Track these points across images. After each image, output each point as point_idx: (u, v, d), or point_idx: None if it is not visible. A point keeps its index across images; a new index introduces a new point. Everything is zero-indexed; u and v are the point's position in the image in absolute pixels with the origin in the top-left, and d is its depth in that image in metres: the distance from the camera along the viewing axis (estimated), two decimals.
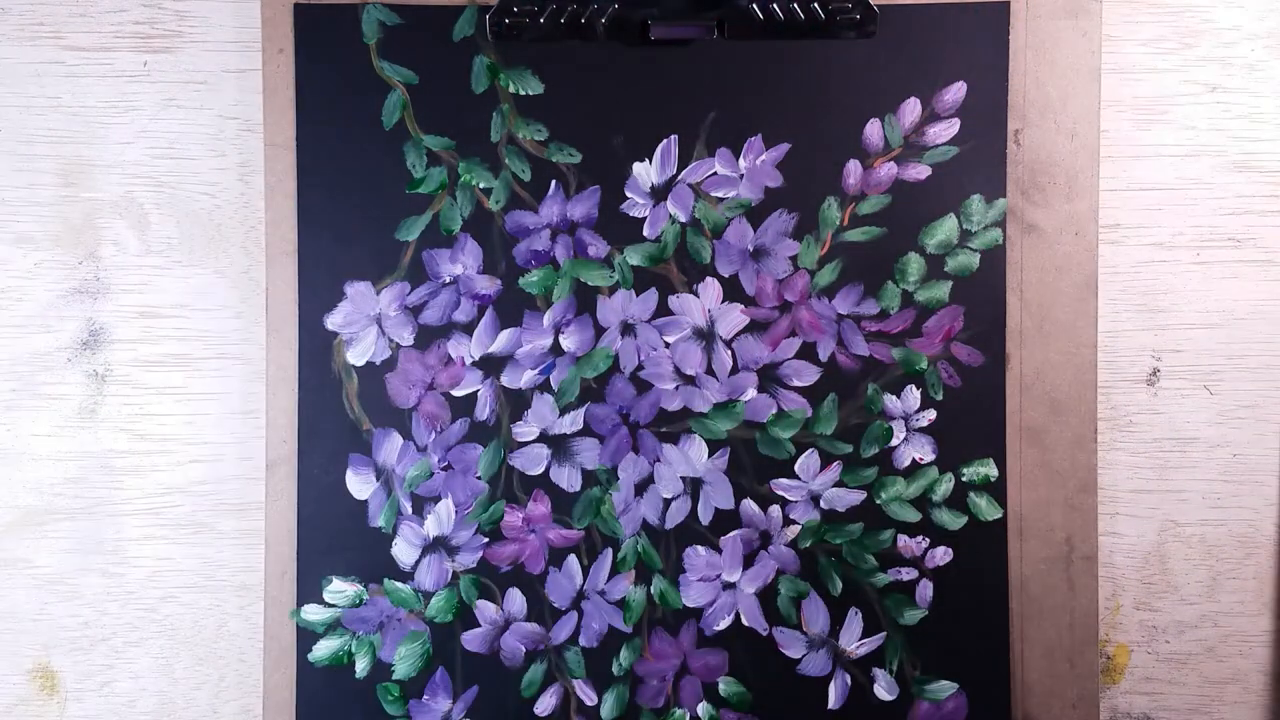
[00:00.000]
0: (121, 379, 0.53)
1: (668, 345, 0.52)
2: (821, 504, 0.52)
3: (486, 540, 0.52)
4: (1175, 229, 0.53)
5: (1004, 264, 0.52)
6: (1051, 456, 0.52)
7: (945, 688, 0.52)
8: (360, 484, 0.52)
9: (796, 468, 0.52)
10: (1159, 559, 0.54)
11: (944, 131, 0.52)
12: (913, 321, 0.52)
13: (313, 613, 0.51)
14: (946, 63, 0.51)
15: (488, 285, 0.52)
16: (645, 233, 0.52)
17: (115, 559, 0.53)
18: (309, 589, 0.51)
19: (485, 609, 0.52)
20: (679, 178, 0.52)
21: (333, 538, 0.51)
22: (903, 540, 0.52)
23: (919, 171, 0.52)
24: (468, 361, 0.52)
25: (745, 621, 0.52)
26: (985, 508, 0.52)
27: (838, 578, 0.52)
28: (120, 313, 0.52)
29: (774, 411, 0.52)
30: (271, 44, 0.51)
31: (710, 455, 0.52)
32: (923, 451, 0.52)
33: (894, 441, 0.52)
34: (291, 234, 0.51)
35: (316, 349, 0.51)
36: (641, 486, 0.52)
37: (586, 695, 0.52)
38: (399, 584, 0.52)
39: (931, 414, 0.52)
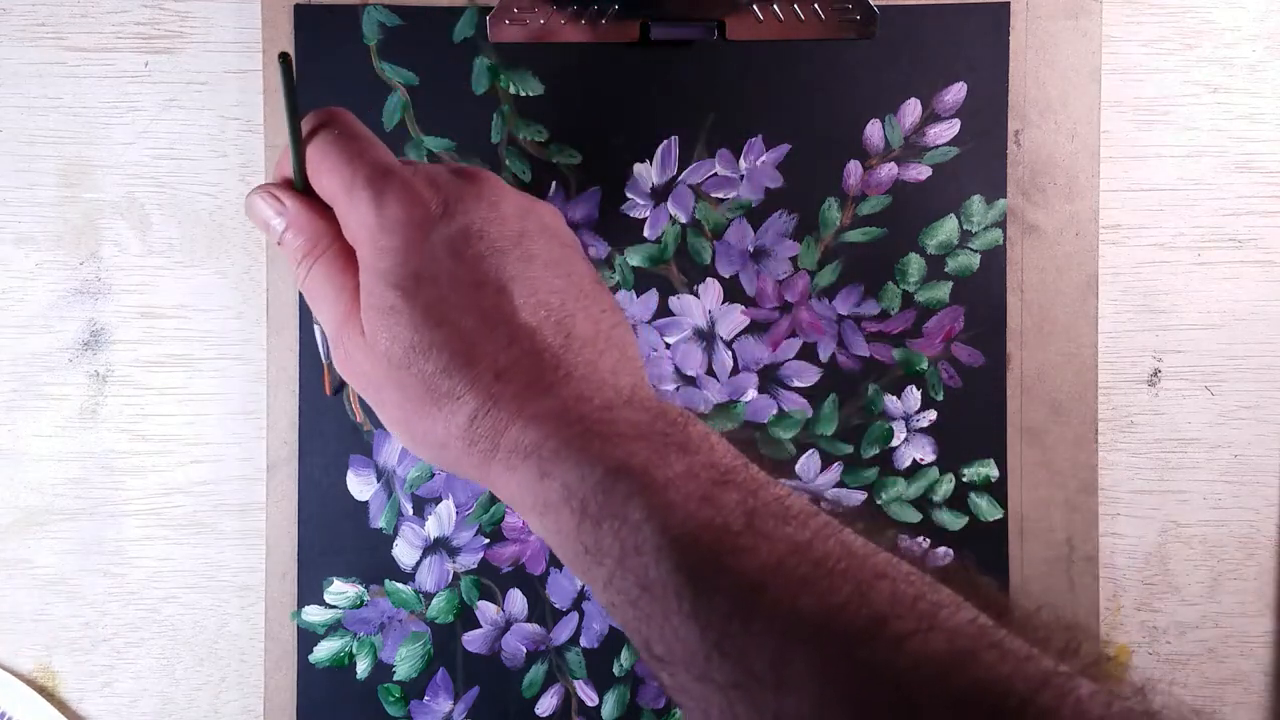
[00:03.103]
0: (123, 379, 0.53)
1: (668, 346, 0.52)
2: (822, 505, 0.52)
3: (487, 541, 0.52)
4: (1176, 230, 0.53)
5: (1004, 264, 0.52)
6: (1052, 457, 0.52)
7: None
8: (361, 485, 0.52)
9: (797, 468, 0.52)
10: (1160, 560, 0.54)
11: (944, 132, 0.52)
12: (913, 322, 0.52)
13: (313, 614, 0.51)
14: (946, 63, 0.51)
15: None
16: (646, 234, 0.52)
17: (116, 559, 0.53)
18: (310, 590, 0.51)
19: (486, 610, 0.52)
20: (679, 179, 0.52)
21: (333, 539, 0.52)
22: (904, 541, 0.52)
23: (919, 172, 0.52)
24: None
25: None
26: (986, 508, 0.52)
27: None
28: (121, 313, 0.52)
29: (774, 412, 0.52)
30: (272, 45, 0.51)
31: None
32: (923, 452, 0.52)
33: (894, 442, 0.52)
34: None
35: (317, 350, 0.51)
36: None
37: (588, 696, 0.52)
38: (400, 585, 0.52)
39: (932, 414, 0.52)
